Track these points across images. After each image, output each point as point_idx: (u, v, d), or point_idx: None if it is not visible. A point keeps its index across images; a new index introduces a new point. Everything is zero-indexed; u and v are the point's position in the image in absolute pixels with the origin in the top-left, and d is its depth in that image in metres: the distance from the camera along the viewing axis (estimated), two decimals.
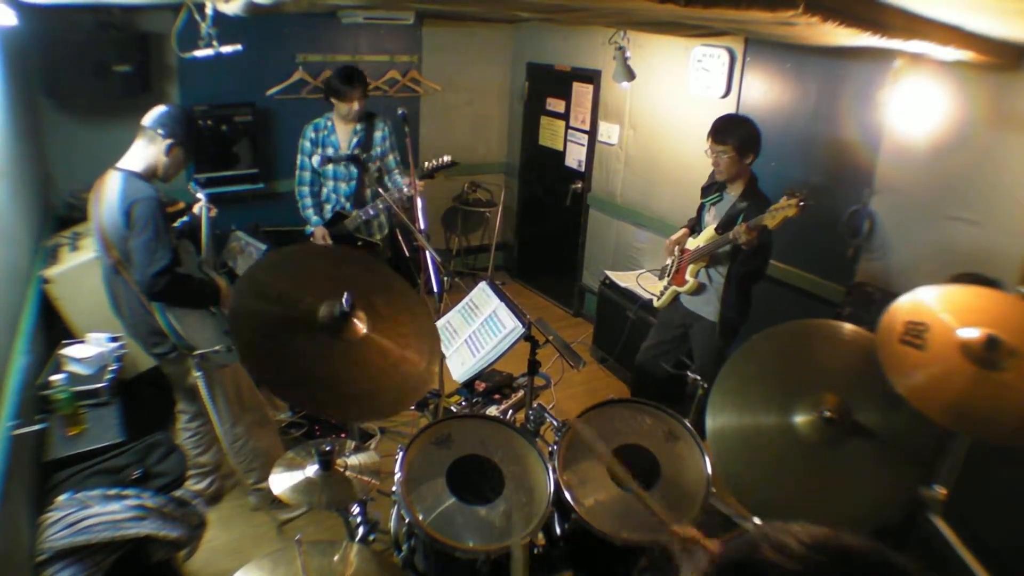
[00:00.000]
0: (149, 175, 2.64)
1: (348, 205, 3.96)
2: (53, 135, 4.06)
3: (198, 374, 2.74)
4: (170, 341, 2.70)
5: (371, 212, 3.89)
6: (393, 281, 2.25)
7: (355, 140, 3.91)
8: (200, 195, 3.00)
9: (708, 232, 3.18)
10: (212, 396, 2.85)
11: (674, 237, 3.37)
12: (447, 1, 3.69)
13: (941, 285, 1.91)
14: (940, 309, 1.79)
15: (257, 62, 4.49)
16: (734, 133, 2.97)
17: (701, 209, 3.30)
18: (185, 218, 3.05)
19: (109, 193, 2.58)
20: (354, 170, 3.93)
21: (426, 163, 3.84)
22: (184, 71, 4.32)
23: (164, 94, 4.37)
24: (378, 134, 3.95)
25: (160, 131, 2.60)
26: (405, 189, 3.77)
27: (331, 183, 3.95)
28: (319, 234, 3.89)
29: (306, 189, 3.95)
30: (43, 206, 3.79)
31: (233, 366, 2.83)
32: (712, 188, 3.24)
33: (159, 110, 2.66)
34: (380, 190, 3.77)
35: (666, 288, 3.43)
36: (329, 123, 3.90)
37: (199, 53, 2.73)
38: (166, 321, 2.65)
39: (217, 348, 2.68)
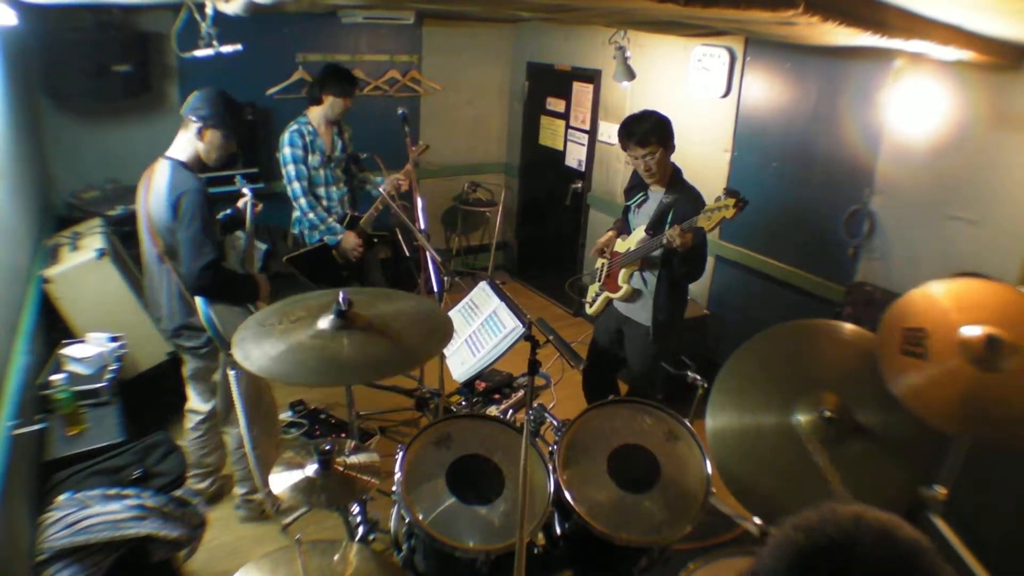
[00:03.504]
0: (194, 163, 2.64)
1: (339, 209, 3.84)
2: (53, 135, 4.06)
3: (232, 372, 2.71)
4: (205, 335, 2.69)
5: (380, 208, 3.78)
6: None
7: (340, 144, 3.81)
8: (246, 190, 2.96)
9: (638, 234, 3.04)
10: (227, 395, 2.83)
11: (601, 240, 3.21)
12: (447, 1, 3.69)
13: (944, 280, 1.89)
14: (942, 304, 1.78)
15: (257, 62, 4.49)
16: (652, 130, 2.82)
17: (627, 211, 3.19)
18: (228, 211, 3.01)
19: (157, 183, 2.58)
20: (339, 172, 3.79)
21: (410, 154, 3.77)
22: (184, 71, 4.32)
23: (164, 94, 4.37)
24: (347, 135, 3.88)
25: (192, 116, 2.60)
26: (387, 185, 3.70)
27: (322, 188, 3.78)
28: (353, 241, 3.72)
29: (313, 200, 3.72)
30: (43, 206, 3.79)
31: None
32: (635, 189, 3.10)
33: (192, 96, 2.65)
34: (380, 189, 3.72)
35: (599, 294, 3.31)
36: (310, 127, 3.68)
37: (199, 53, 2.72)
38: (207, 316, 2.63)
39: None
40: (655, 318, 3.07)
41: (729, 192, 2.68)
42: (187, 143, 2.64)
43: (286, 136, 3.68)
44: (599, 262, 3.33)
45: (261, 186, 4.71)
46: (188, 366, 2.93)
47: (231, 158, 4.60)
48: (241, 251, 2.93)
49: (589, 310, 3.44)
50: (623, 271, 3.12)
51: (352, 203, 3.90)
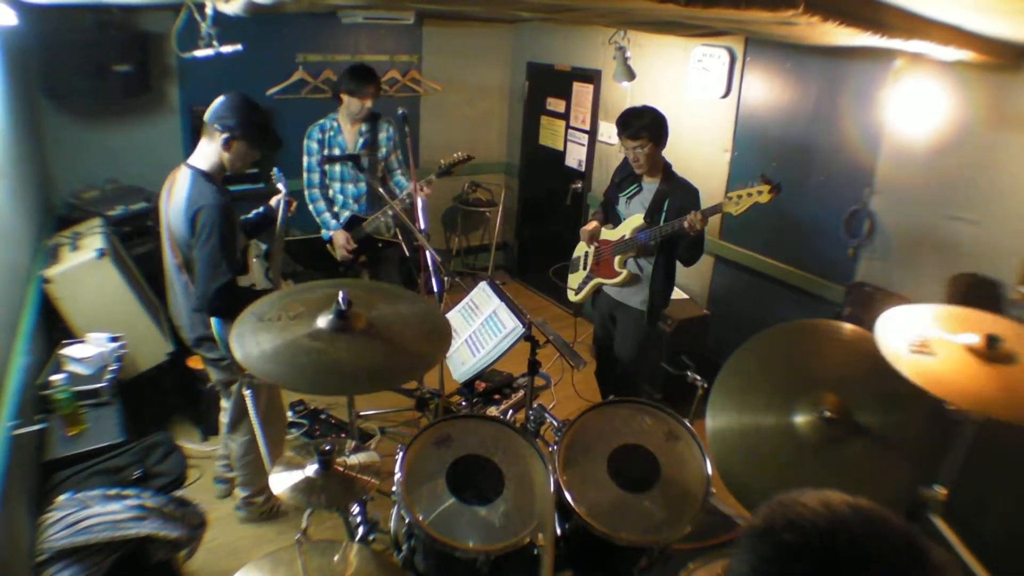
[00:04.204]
0: (216, 172, 2.56)
1: (356, 207, 3.88)
2: (53, 135, 4.06)
3: (247, 392, 2.68)
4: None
5: (390, 213, 3.81)
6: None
7: (361, 141, 3.85)
8: (280, 185, 2.85)
9: (633, 221, 3.15)
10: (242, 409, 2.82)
11: (589, 228, 3.31)
12: (447, 1, 3.69)
13: (930, 304, 1.90)
14: (933, 326, 1.79)
15: (257, 62, 4.49)
16: (646, 126, 2.99)
17: (614, 203, 3.30)
18: (260, 209, 2.95)
19: (178, 193, 2.51)
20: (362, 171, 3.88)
21: (442, 160, 3.82)
22: (184, 71, 4.32)
23: (164, 94, 4.37)
24: (383, 135, 3.91)
25: (217, 125, 2.49)
26: (408, 191, 3.73)
27: (338, 184, 3.86)
28: (341, 239, 3.79)
29: (317, 192, 3.84)
30: (43, 206, 3.79)
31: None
32: (627, 181, 3.23)
33: (216, 102, 2.54)
34: (384, 193, 3.74)
35: (586, 280, 3.42)
36: (335, 124, 3.82)
37: (199, 53, 2.72)
38: (222, 336, 2.59)
39: None
40: (651, 302, 3.20)
41: (764, 178, 2.81)
42: (211, 152, 2.54)
43: (310, 129, 3.84)
44: (580, 249, 3.46)
45: (262, 186, 4.71)
46: (214, 378, 2.91)
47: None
48: (263, 257, 2.87)
49: (573, 298, 3.55)
50: (618, 257, 3.22)
51: (369, 203, 3.93)
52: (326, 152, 3.81)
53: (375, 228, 3.88)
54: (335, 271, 3.89)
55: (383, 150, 3.91)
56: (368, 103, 3.72)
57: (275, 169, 2.95)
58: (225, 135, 2.50)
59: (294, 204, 2.88)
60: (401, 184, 3.96)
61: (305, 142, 3.83)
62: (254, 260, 2.77)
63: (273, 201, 2.91)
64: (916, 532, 0.77)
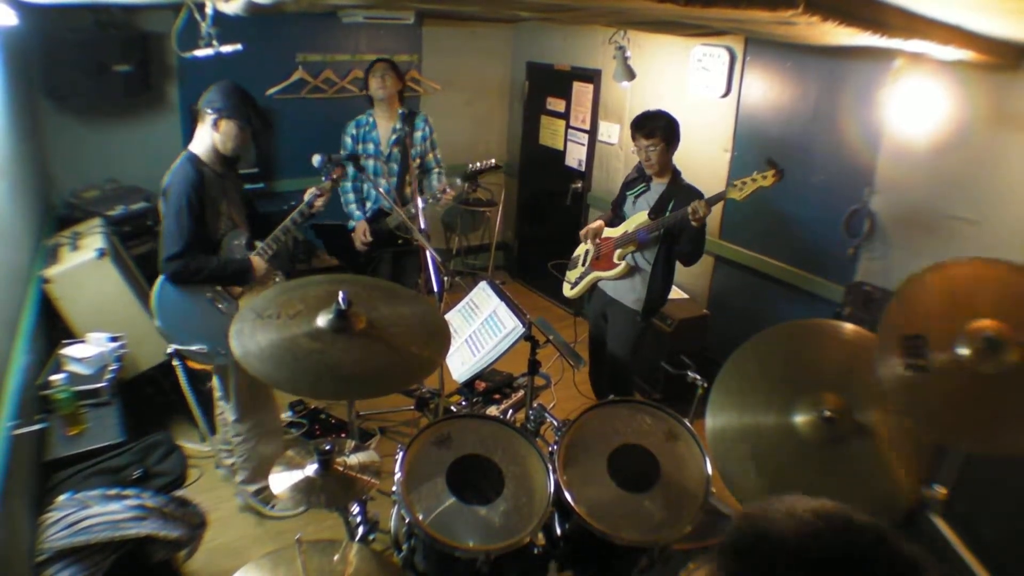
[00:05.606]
0: (209, 156, 2.71)
1: (386, 203, 3.90)
2: (53, 135, 4.06)
3: (177, 364, 2.71)
4: None
5: (411, 211, 3.80)
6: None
7: (393, 138, 3.92)
8: (324, 177, 2.87)
9: (638, 218, 3.22)
10: (224, 385, 2.90)
11: (592, 226, 3.39)
12: (447, 1, 3.69)
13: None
14: (937, 300, 1.76)
15: (257, 62, 4.48)
16: (660, 127, 3.09)
17: (622, 202, 3.36)
18: (293, 202, 2.98)
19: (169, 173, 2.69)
20: (394, 167, 3.95)
21: (469, 165, 3.88)
22: (184, 71, 4.32)
23: (164, 94, 4.37)
24: (418, 134, 3.96)
25: (207, 109, 2.67)
26: (436, 192, 3.80)
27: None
28: (360, 229, 3.89)
29: (348, 184, 3.93)
30: (43, 206, 3.79)
31: None
32: (637, 181, 3.31)
33: (208, 89, 2.72)
34: (392, 196, 3.74)
35: (584, 275, 3.47)
36: (371, 120, 3.92)
37: (199, 53, 2.72)
38: (156, 300, 2.69)
39: (195, 348, 2.66)
40: (648, 298, 3.24)
41: (770, 162, 2.85)
42: (204, 136, 2.71)
43: (347, 124, 3.95)
44: (581, 248, 3.49)
45: (262, 186, 4.72)
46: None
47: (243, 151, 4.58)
48: (241, 244, 2.87)
49: (569, 292, 3.58)
50: (618, 251, 3.27)
51: (400, 199, 3.98)
52: (360, 147, 3.91)
53: (398, 224, 3.91)
54: (356, 261, 3.97)
55: (417, 148, 3.96)
56: (379, 80, 3.78)
57: (316, 156, 2.92)
58: (213, 116, 2.66)
59: (322, 200, 2.88)
60: (433, 186, 3.97)
61: (342, 137, 3.94)
62: (233, 244, 2.80)
63: (307, 195, 2.91)
64: (886, 529, 0.75)
